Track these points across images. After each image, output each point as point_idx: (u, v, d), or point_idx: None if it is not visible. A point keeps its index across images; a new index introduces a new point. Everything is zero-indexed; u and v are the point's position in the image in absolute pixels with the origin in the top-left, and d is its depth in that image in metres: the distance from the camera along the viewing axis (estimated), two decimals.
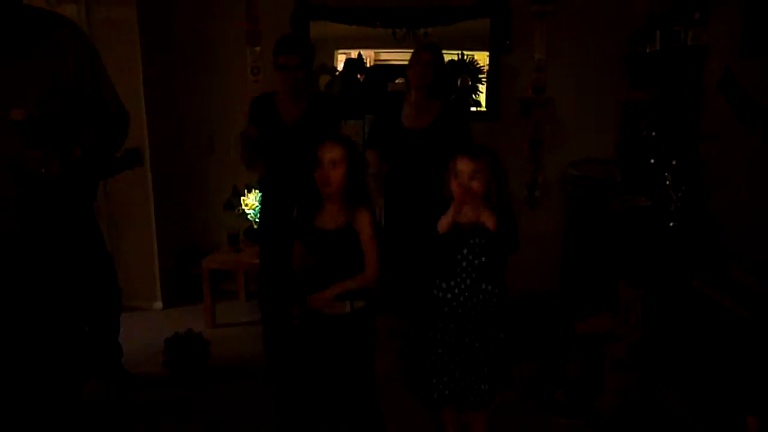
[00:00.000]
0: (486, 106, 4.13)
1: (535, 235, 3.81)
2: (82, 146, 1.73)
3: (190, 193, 4.34)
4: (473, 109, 4.13)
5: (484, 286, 2.10)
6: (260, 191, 3.19)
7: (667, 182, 2.85)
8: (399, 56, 4.31)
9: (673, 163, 2.84)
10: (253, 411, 2.84)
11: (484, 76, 4.10)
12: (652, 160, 3.03)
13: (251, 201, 3.91)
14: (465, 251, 2.09)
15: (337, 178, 2.07)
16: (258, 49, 4.09)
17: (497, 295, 2.13)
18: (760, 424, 1.65)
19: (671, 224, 2.81)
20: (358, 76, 4.34)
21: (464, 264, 2.10)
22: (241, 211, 3.93)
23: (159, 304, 4.09)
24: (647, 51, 3.36)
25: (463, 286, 2.11)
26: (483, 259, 2.08)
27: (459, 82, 4.09)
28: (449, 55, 4.16)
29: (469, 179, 2.04)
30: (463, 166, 2.05)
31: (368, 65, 4.39)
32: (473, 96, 4.17)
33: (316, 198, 2.14)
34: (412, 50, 3.17)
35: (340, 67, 4.34)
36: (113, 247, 4.01)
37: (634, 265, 2.94)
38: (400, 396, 2.93)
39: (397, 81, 4.28)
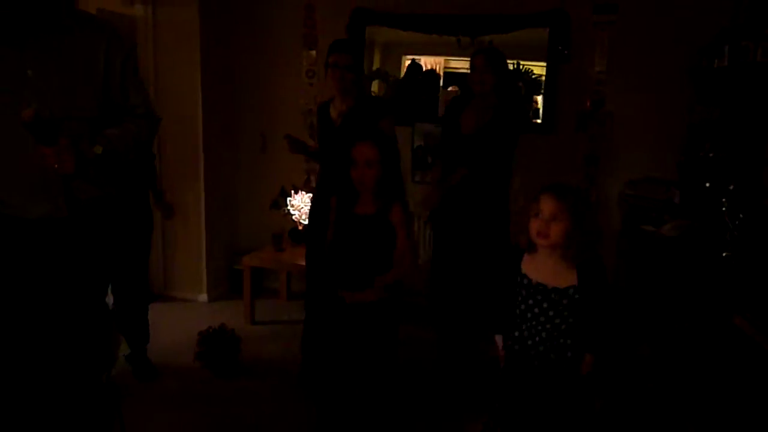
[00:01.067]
0: (541, 118, 3.99)
1: None
2: (103, 144, 1.79)
3: (240, 191, 4.45)
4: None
5: (562, 343, 1.88)
6: (314, 191, 3.25)
7: (723, 208, 2.63)
8: (467, 64, 4.25)
9: (731, 188, 2.62)
10: (275, 408, 2.86)
11: (542, 87, 3.97)
12: (708, 184, 2.81)
13: (297, 202, 3.96)
14: (530, 303, 1.90)
15: (372, 177, 2.21)
16: (314, 52, 4.14)
17: (578, 359, 1.90)
18: None
19: (725, 254, 2.60)
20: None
21: (533, 318, 1.90)
22: (286, 211, 3.99)
23: (204, 297, 4.21)
24: (714, 66, 3.13)
25: (533, 341, 1.92)
26: (559, 317, 1.87)
27: None
28: None
29: (549, 221, 1.82)
30: (545, 204, 1.83)
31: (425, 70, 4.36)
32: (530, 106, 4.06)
33: (354, 191, 2.28)
34: None
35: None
36: (164, 240, 4.19)
37: (683, 295, 2.74)
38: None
39: (449, 89, 4.24)
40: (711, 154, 2.97)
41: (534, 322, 1.91)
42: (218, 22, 4.06)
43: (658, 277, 2.98)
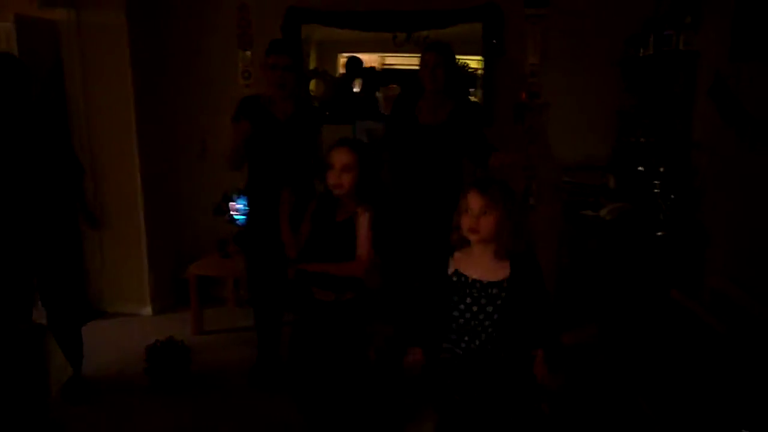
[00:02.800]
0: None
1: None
2: None
3: (180, 198, 4.32)
4: None
5: (495, 336, 1.88)
6: (246, 194, 3.18)
7: (656, 190, 2.76)
8: (404, 60, 4.28)
9: (661, 170, 2.75)
10: (231, 419, 2.81)
11: (477, 80, 4.04)
12: (641, 168, 2.95)
13: (242, 206, 3.88)
14: (468, 302, 1.90)
15: (348, 181, 2.20)
16: (249, 53, 4.07)
17: (523, 357, 1.90)
18: None
19: (659, 233, 2.73)
20: (354, 85, 4.31)
21: (472, 317, 1.90)
22: (230, 216, 3.90)
23: (148, 310, 4.07)
24: (641, 55, 3.27)
25: (475, 343, 1.90)
26: (497, 313, 1.86)
27: None
28: None
29: (479, 216, 1.84)
30: (472, 200, 1.86)
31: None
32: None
33: (332, 196, 2.27)
34: (416, 54, 3.14)
35: (342, 70, 4.32)
36: (103, 252, 4.02)
37: (622, 275, 2.86)
38: None
39: (390, 86, 4.26)
40: (642, 140, 3.11)
41: (475, 322, 1.90)
42: (148, 25, 3.92)
43: (599, 258, 3.10)
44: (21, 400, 2.03)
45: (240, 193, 3.90)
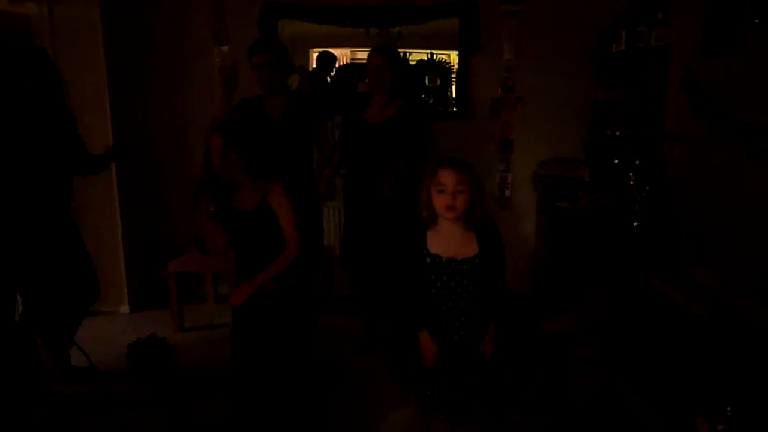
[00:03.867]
0: (455, 106, 4.12)
1: (505, 235, 3.79)
2: None
3: (157, 195, 4.27)
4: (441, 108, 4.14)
5: (473, 308, 1.94)
6: None
7: (631, 182, 2.85)
8: None
9: (637, 162, 2.84)
10: (216, 415, 2.79)
11: (455, 75, 4.10)
12: (617, 160, 3.03)
13: None
14: (445, 279, 1.92)
15: (230, 164, 2.20)
16: (225, 48, 4.03)
17: (488, 321, 1.96)
18: (709, 427, 1.65)
19: (635, 224, 2.82)
20: (328, 78, 4.32)
21: (450, 294, 1.93)
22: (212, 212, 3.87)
23: (126, 308, 4.03)
24: (613, 51, 3.36)
25: (451, 313, 1.94)
26: (473, 285, 1.91)
27: (427, 81, 4.10)
28: (419, 55, 4.16)
29: (455, 194, 1.86)
30: (447, 178, 1.87)
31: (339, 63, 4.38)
32: (446, 95, 4.19)
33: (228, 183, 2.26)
34: None
35: (314, 65, 4.32)
36: None
37: (600, 265, 2.94)
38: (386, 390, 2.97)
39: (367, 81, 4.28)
40: (617, 133, 3.20)
41: (455, 299, 1.93)
42: (122, 20, 3.85)
43: (577, 249, 3.18)
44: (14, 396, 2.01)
45: None
